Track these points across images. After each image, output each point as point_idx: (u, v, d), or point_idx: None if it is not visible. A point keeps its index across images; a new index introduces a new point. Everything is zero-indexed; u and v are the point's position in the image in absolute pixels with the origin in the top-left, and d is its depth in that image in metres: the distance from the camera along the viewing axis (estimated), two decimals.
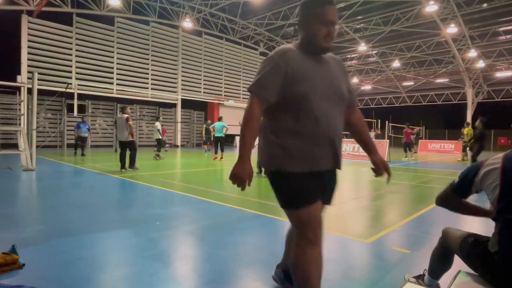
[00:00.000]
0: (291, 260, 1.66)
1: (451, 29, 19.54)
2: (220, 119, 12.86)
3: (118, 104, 20.56)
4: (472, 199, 1.65)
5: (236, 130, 23.24)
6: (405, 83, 31.45)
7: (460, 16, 19.50)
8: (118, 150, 9.72)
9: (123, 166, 8.21)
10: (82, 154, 12.88)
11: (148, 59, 20.82)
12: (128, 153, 8.28)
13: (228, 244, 3.02)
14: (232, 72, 25.89)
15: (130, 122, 7.96)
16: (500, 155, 1.51)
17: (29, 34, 16.19)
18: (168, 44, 21.85)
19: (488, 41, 22.31)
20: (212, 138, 13.00)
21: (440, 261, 1.90)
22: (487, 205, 1.65)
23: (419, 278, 2.11)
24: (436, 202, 1.78)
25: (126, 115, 8.04)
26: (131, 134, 8.02)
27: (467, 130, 13.76)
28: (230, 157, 14.52)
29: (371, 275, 2.44)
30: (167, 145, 20.64)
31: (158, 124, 12.67)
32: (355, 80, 32.82)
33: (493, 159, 1.52)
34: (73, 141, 18.41)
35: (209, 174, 8.56)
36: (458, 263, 1.76)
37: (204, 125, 15.53)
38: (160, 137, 12.69)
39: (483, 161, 1.56)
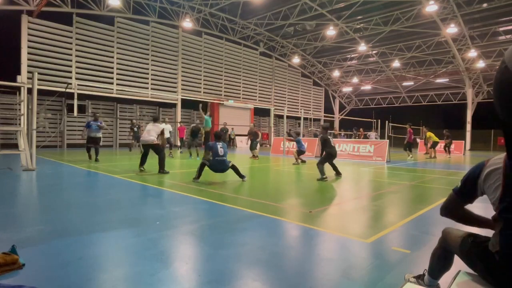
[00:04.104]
0: None
1: (451, 29, 19.55)
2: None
3: (118, 104, 20.58)
4: (478, 201, 1.63)
5: (236, 130, 23.31)
6: (405, 83, 31.46)
7: (460, 16, 19.50)
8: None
9: (140, 165, 8.57)
10: (96, 159, 10.68)
11: (148, 59, 20.82)
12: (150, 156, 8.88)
13: (228, 244, 3.02)
14: (232, 72, 25.89)
15: (163, 136, 8.85)
16: (502, 155, 1.46)
17: (29, 34, 16.19)
18: (168, 44, 21.85)
19: (488, 41, 22.33)
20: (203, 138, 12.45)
21: (440, 261, 1.89)
22: (486, 204, 1.64)
23: (419, 278, 2.11)
24: (440, 211, 1.73)
25: (162, 126, 8.81)
26: (162, 143, 8.81)
27: (429, 134, 15.98)
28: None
29: (371, 275, 2.44)
30: (166, 145, 20.62)
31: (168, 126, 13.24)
32: (355, 80, 32.85)
33: (495, 159, 1.49)
34: (73, 141, 18.59)
35: (209, 174, 8.55)
36: (458, 263, 1.76)
37: (192, 126, 13.82)
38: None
39: (485, 162, 1.52)
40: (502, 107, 0.61)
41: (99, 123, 10.97)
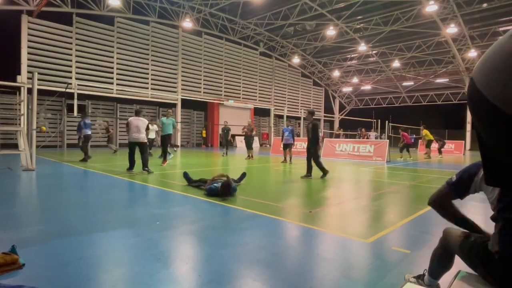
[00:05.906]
0: None
1: (451, 29, 19.55)
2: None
3: (118, 104, 20.58)
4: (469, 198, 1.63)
5: (236, 130, 23.32)
6: (405, 83, 31.46)
7: (460, 16, 19.50)
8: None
9: (131, 167, 8.07)
10: (84, 159, 10.85)
11: (148, 59, 20.82)
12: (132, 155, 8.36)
13: (228, 244, 3.02)
14: (232, 72, 25.89)
15: (149, 131, 8.48)
16: None
17: (29, 34, 16.19)
18: (168, 44, 21.85)
19: (488, 41, 22.30)
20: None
21: (441, 261, 1.89)
22: (486, 204, 1.64)
23: (419, 278, 2.11)
24: (429, 201, 1.74)
25: (146, 121, 8.39)
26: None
27: (425, 132, 15.87)
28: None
29: (371, 275, 2.44)
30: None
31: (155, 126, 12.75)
32: (355, 80, 32.86)
33: None
34: (73, 141, 18.54)
35: (209, 174, 8.56)
36: (458, 263, 1.76)
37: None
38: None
39: None
40: (472, 116, 0.70)
41: (84, 122, 11.15)
